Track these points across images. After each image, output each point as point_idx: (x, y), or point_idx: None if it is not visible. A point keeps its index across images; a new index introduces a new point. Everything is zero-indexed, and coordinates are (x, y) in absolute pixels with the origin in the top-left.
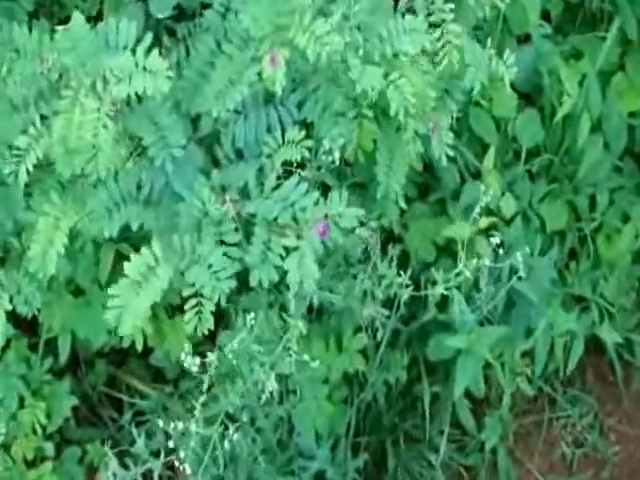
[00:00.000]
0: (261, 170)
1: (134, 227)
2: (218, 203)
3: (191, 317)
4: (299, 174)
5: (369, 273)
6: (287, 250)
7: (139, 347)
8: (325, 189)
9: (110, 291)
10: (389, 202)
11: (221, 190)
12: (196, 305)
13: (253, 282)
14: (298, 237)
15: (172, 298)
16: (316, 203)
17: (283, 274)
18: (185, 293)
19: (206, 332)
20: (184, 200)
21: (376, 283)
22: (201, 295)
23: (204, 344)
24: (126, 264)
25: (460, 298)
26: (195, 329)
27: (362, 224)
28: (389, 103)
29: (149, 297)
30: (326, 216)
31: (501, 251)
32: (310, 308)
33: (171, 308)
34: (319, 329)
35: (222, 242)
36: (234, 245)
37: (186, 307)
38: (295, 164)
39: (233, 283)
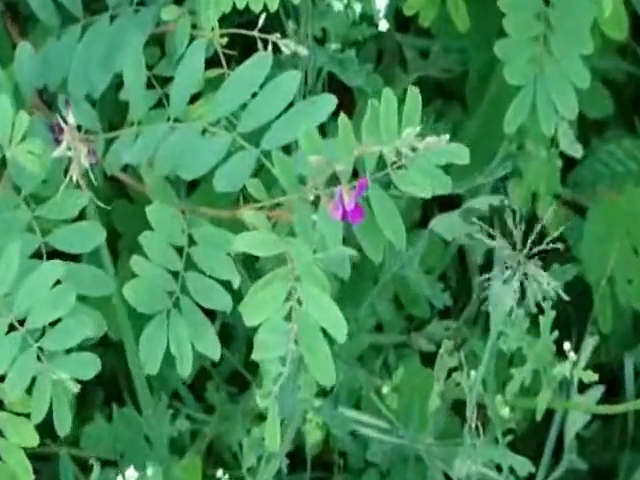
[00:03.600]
0: (160, 42)
1: None
2: (38, 140)
3: None
4: (274, 47)
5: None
6: (250, 269)
7: None
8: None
9: None
10: (536, 145)
11: (43, 102)
12: None
13: (150, 368)
14: (276, 227)
15: None
16: (322, 127)
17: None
18: None
19: None
20: None
21: (495, 383)
22: None
23: None
24: None
25: None
26: None
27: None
28: None
29: None
30: (355, 173)
31: None
32: (293, 455)
33: None
34: None
35: (57, 254)
36: (81, 258)
37: None
38: (260, 21)
39: (94, 367)
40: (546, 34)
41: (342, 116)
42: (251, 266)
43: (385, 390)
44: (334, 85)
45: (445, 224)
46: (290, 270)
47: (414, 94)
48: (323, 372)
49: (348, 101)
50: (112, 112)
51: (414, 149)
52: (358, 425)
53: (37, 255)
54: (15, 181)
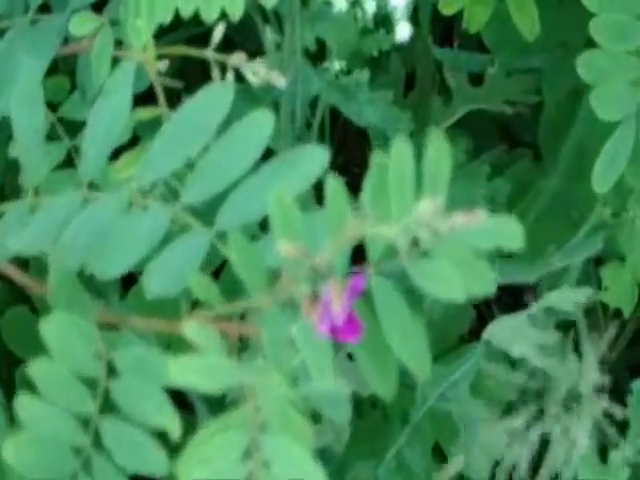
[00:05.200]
0: (68, 69)
1: None
2: None
3: None
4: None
5: None
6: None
7: None
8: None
9: None
10: None
11: None
12: None
13: None
14: (244, 348)
15: None
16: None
17: None
18: None
19: None
20: None
21: None
22: None
23: None
24: None
25: None
26: None
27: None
28: None
29: None
30: (358, 252)
31: None
32: None
33: None
34: None
35: None
36: None
37: None
38: (217, 36)
39: None
40: None
41: (331, 178)
42: (217, 404)
43: None
44: (343, 123)
45: (507, 332)
46: (252, 413)
47: (439, 144)
48: None
49: (365, 148)
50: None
51: (435, 232)
52: None
53: None
54: None
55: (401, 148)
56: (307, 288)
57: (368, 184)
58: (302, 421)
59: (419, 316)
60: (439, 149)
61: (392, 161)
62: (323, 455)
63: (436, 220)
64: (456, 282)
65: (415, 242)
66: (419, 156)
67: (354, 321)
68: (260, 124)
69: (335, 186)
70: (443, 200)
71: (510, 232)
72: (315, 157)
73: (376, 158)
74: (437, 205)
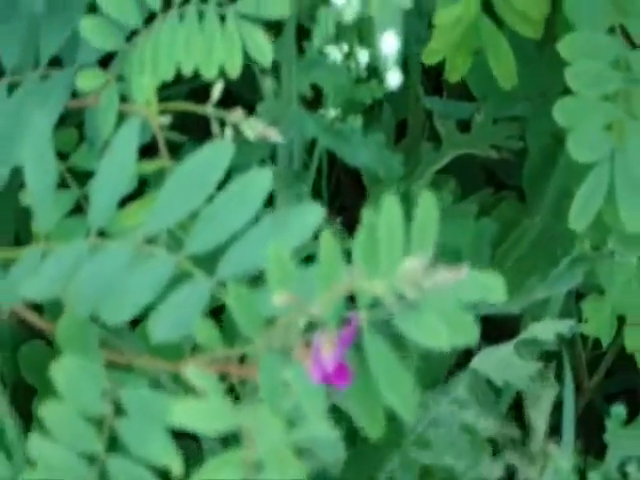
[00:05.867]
0: (77, 122)
1: None
2: None
3: None
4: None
5: None
6: None
7: None
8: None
9: None
10: (621, 247)
11: None
12: None
13: None
14: (244, 390)
15: None
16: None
17: None
18: None
19: None
20: None
21: None
22: None
23: None
24: None
25: None
26: None
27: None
28: None
29: None
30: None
31: None
32: None
33: None
34: None
35: None
36: None
37: None
38: (216, 93)
39: None
40: (628, 89)
41: (325, 234)
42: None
43: None
44: (340, 169)
45: (494, 361)
46: (249, 453)
47: (428, 201)
48: None
49: (360, 193)
50: (12, 223)
51: (419, 288)
52: None
53: None
54: None
55: (390, 207)
56: (300, 336)
57: (358, 241)
58: (297, 463)
59: (407, 357)
60: (428, 203)
61: (382, 219)
62: None
63: (420, 277)
64: (442, 332)
65: (402, 295)
66: (408, 200)
67: (344, 369)
68: (259, 179)
69: (329, 241)
70: (429, 256)
71: (492, 285)
72: (312, 213)
73: (367, 216)
74: (422, 263)
